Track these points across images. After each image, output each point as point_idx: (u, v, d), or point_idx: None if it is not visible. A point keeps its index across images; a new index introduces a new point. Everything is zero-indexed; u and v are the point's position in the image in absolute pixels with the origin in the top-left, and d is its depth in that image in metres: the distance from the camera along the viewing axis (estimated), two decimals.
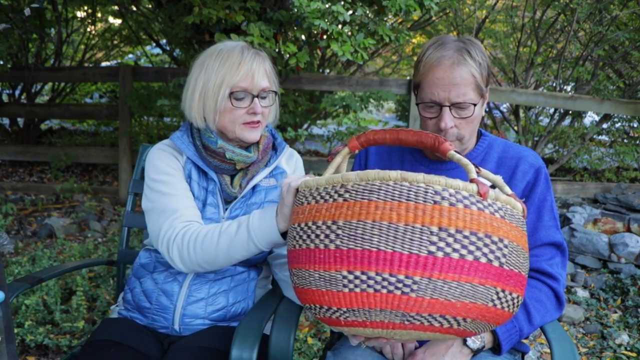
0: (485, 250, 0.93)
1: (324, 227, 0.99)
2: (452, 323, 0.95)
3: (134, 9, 5.00)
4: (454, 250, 0.92)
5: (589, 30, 4.69)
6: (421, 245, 0.92)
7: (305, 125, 5.51)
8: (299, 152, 2.12)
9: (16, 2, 4.93)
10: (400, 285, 0.92)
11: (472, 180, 0.97)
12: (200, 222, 1.39)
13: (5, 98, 5.83)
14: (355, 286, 0.95)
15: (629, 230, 3.66)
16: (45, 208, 4.58)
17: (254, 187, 1.48)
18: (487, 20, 5.09)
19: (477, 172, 1.01)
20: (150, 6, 4.93)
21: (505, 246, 0.96)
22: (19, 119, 5.90)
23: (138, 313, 1.48)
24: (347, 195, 0.98)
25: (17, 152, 5.17)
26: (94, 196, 4.77)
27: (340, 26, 2.90)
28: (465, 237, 0.92)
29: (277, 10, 3.11)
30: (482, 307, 0.95)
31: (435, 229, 0.92)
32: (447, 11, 5.17)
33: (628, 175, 4.84)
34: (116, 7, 5.23)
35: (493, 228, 0.94)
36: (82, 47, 6.26)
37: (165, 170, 1.44)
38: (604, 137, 5.59)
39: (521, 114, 4.84)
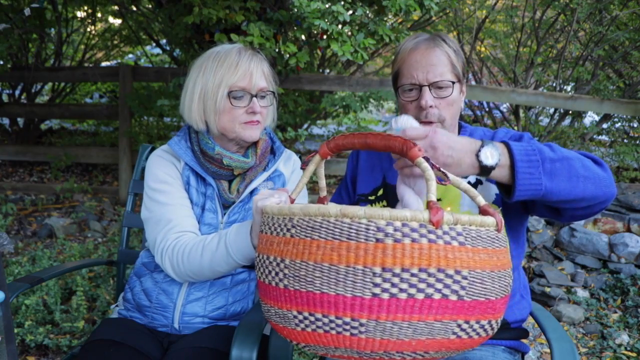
0: (439, 285, 0.86)
1: (274, 263, 0.94)
2: (413, 356, 0.90)
3: (134, 9, 5.00)
4: (401, 290, 0.85)
5: (589, 30, 4.69)
6: (364, 287, 0.85)
7: (305, 125, 5.51)
8: (298, 152, 2.12)
9: (16, 2, 4.94)
10: (347, 327, 0.87)
11: (429, 205, 0.87)
12: (195, 231, 1.41)
13: (5, 98, 5.83)
14: (306, 326, 0.91)
15: (629, 230, 3.66)
16: (45, 208, 4.58)
17: (252, 192, 1.48)
18: (487, 20, 5.09)
19: (445, 182, 0.95)
20: (150, 6, 4.93)
21: (464, 277, 0.87)
22: (19, 119, 5.91)
23: (138, 312, 1.48)
24: (293, 230, 0.93)
25: (17, 152, 5.17)
26: (94, 196, 4.77)
27: (340, 26, 2.91)
28: (413, 275, 0.85)
29: (277, 10, 3.11)
30: (442, 341, 0.90)
31: (378, 269, 0.85)
32: (447, 11, 5.17)
33: (628, 175, 4.84)
34: (116, 7, 5.23)
35: (447, 261, 0.86)
36: (82, 47, 6.27)
37: (163, 179, 1.45)
38: (604, 137, 5.60)
39: (521, 114, 4.84)
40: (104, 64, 6.52)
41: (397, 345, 0.87)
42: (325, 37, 2.97)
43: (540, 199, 1.12)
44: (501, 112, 5.48)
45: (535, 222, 3.73)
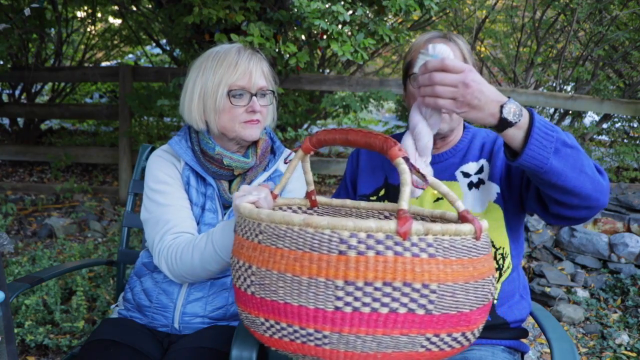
0: (405, 300, 0.82)
1: (243, 268, 0.92)
2: None
3: (134, 9, 5.00)
4: (364, 304, 0.82)
5: (589, 30, 4.69)
6: (327, 300, 0.82)
7: (305, 125, 5.51)
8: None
9: (16, 2, 4.93)
10: (312, 338, 0.85)
11: (398, 214, 0.82)
12: (193, 232, 1.41)
13: (5, 98, 5.83)
14: (273, 333, 0.90)
15: (629, 230, 3.66)
16: (45, 208, 4.58)
17: None
18: (487, 20, 5.09)
19: (423, 185, 0.92)
20: (150, 6, 4.93)
21: (433, 291, 0.83)
22: (19, 119, 5.90)
23: (138, 312, 1.48)
24: (260, 237, 0.90)
25: (17, 152, 5.17)
26: (94, 196, 4.77)
27: (340, 26, 2.91)
28: (377, 289, 0.81)
29: (277, 10, 3.11)
30: (411, 354, 0.86)
31: (340, 282, 0.82)
32: (447, 11, 5.17)
33: (628, 175, 4.84)
34: (116, 7, 5.23)
35: (414, 274, 0.82)
36: (82, 47, 6.27)
37: (163, 180, 1.45)
38: (604, 137, 5.60)
39: None
40: (104, 64, 6.52)
41: (362, 357, 0.85)
42: (325, 37, 2.97)
43: (541, 175, 1.11)
44: None
45: (535, 222, 3.73)
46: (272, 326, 0.89)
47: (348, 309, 0.82)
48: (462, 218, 0.92)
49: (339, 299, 0.82)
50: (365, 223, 0.82)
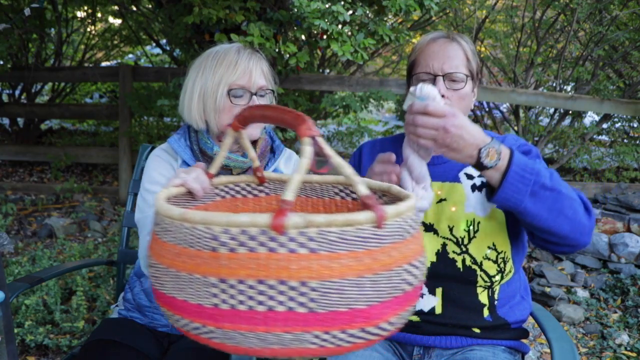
0: (282, 298, 0.77)
1: (154, 261, 0.89)
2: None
3: (134, 9, 5.00)
4: (240, 302, 0.78)
5: (589, 30, 4.69)
6: (205, 297, 0.80)
7: None
8: (299, 152, 2.11)
9: (16, 2, 4.94)
10: (200, 331, 0.83)
11: (279, 205, 0.77)
12: None
13: (5, 98, 5.83)
14: (175, 322, 0.88)
15: (629, 230, 3.66)
16: (45, 208, 4.58)
17: None
18: (487, 20, 5.09)
19: (322, 170, 0.90)
20: (150, 6, 4.93)
21: (313, 289, 0.77)
22: (19, 119, 5.90)
23: (138, 312, 1.48)
24: (156, 227, 0.89)
25: (17, 152, 5.17)
26: (94, 196, 4.77)
27: (340, 26, 2.90)
28: (252, 287, 0.77)
29: (277, 10, 3.11)
30: (301, 350, 0.81)
31: (214, 279, 0.78)
32: (447, 11, 5.17)
33: (628, 175, 4.85)
34: (116, 7, 5.23)
35: (290, 272, 0.76)
36: (82, 47, 6.27)
37: (157, 180, 1.44)
38: (604, 137, 5.60)
39: (521, 114, 4.84)
40: (104, 64, 6.52)
41: (250, 351, 0.82)
42: (325, 37, 2.97)
43: (516, 215, 1.17)
44: (501, 112, 5.48)
45: None
46: (177, 320, 0.86)
47: (225, 306, 0.79)
48: (362, 204, 0.84)
49: (214, 295, 0.79)
50: (238, 218, 0.77)
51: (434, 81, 1.37)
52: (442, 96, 1.33)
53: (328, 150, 0.85)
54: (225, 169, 1.44)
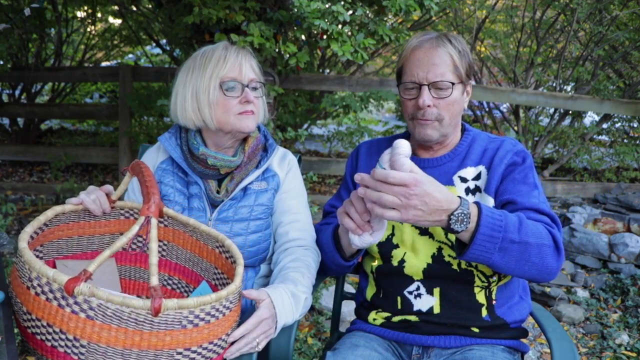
0: (62, 343, 0.98)
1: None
2: None
3: (134, 9, 5.00)
4: (47, 339, 1.00)
5: (589, 30, 4.69)
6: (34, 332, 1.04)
7: (305, 125, 5.52)
8: (298, 152, 2.11)
9: (16, 2, 4.93)
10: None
11: (83, 272, 0.97)
12: None
13: (5, 98, 5.83)
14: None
15: (629, 230, 3.66)
16: (45, 208, 4.57)
17: (245, 190, 1.48)
18: (487, 20, 5.09)
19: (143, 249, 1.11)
20: (150, 6, 4.93)
21: (83, 346, 0.98)
22: (19, 119, 5.91)
23: None
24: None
25: (17, 152, 5.17)
26: None
27: (340, 26, 2.90)
28: (47, 328, 1.00)
29: (277, 10, 3.11)
30: None
31: (33, 317, 1.02)
32: (447, 11, 5.17)
33: (628, 175, 4.85)
34: (116, 7, 5.23)
35: (68, 327, 0.97)
36: (82, 47, 6.27)
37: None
38: (604, 137, 5.60)
39: (521, 114, 4.85)
40: (104, 64, 6.52)
41: None
42: (325, 37, 2.96)
43: (486, 265, 1.21)
44: (501, 112, 5.48)
45: None
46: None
47: (48, 343, 1.01)
48: (150, 293, 0.98)
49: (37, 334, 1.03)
50: (46, 270, 0.97)
51: (419, 89, 1.35)
52: (428, 106, 1.34)
53: (152, 233, 1.02)
54: (213, 169, 1.44)
